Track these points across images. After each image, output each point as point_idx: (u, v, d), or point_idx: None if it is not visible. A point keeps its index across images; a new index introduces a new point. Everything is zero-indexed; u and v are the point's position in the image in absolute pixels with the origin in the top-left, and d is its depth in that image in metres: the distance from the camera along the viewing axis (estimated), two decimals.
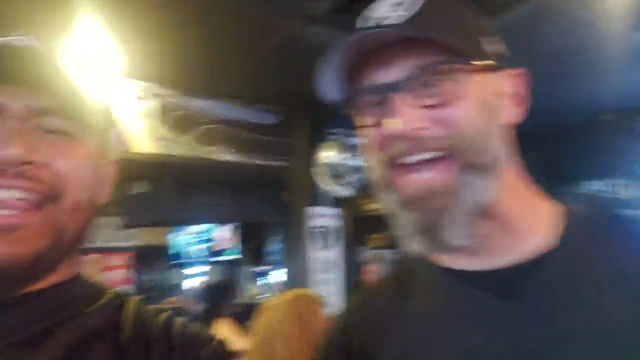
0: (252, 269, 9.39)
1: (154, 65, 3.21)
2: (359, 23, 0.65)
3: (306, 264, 3.58)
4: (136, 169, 3.61)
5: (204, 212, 3.74)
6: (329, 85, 0.67)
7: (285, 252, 6.52)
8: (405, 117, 0.58)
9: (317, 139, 3.66)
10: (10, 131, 0.54)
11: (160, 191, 3.75)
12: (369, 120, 0.63)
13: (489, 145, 0.59)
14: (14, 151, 0.52)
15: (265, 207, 3.96)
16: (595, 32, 2.55)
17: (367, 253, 6.49)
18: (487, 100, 0.60)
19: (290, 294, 1.70)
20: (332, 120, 3.90)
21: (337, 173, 3.46)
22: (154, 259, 8.68)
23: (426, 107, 0.59)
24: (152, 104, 3.37)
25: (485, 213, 0.60)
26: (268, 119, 3.79)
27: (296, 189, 3.78)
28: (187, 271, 8.81)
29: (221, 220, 6.83)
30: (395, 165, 0.61)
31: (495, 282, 0.62)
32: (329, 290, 3.59)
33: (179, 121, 3.44)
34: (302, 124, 3.77)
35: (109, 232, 7.81)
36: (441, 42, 0.57)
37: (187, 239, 8.22)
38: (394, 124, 0.58)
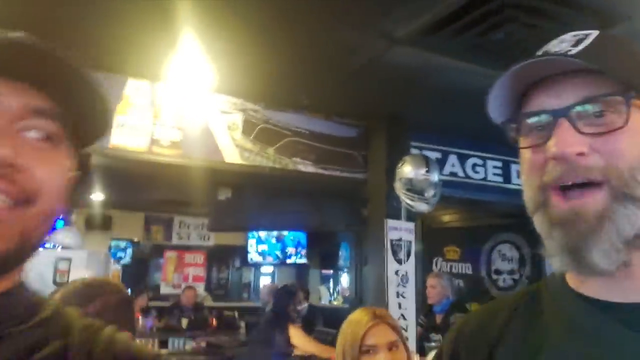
0: (319, 272, 9.55)
1: (241, 81, 3.38)
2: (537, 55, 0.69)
3: (381, 275, 3.63)
4: (221, 177, 3.81)
5: (283, 219, 3.87)
6: (496, 105, 0.70)
7: (355, 259, 6.59)
8: (568, 142, 0.61)
9: (395, 153, 3.70)
10: (1, 130, 0.53)
11: (243, 199, 3.92)
12: (531, 142, 0.66)
13: None
14: (0, 152, 0.51)
15: (341, 218, 4.04)
16: None
17: (440, 264, 6.43)
18: None
19: (370, 309, 1.76)
20: (410, 135, 3.93)
21: (414, 188, 3.48)
22: (228, 258, 9.03)
23: (588, 135, 0.61)
24: (238, 117, 3.55)
25: (636, 244, 0.61)
26: (348, 132, 3.88)
27: (373, 201, 3.84)
28: (259, 271, 9.09)
29: (298, 228, 6.97)
30: (550, 188, 0.64)
31: (629, 313, 0.62)
32: (403, 303, 3.62)
33: (262, 133, 3.60)
34: (381, 137, 3.82)
35: (187, 231, 8.24)
36: (610, 76, 0.61)
37: (260, 240, 8.46)
38: (556, 146, 0.62)
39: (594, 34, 0.66)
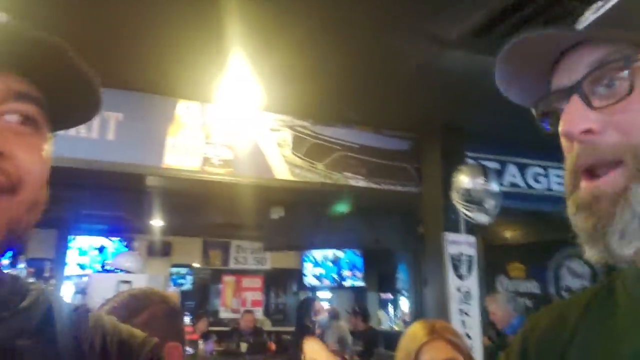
0: (377, 296, 9.34)
1: (289, 98, 3.38)
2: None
3: (442, 292, 3.46)
4: (273, 196, 3.81)
5: (337, 237, 3.80)
6: (518, 88, 0.66)
7: (414, 279, 6.40)
8: (574, 119, 0.56)
9: (450, 164, 3.57)
10: None
11: (296, 217, 3.89)
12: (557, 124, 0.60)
13: None
14: None
15: (397, 234, 3.93)
16: None
17: (505, 283, 6.12)
18: None
19: (428, 322, 1.64)
20: (466, 145, 3.78)
21: (473, 198, 3.32)
22: (285, 282, 9.02)
23: (600, 109, 0.55)
24: (287, 134, 3.54)
25: None
26: (399, 145, 3.79)
27: (429, 215, 3.70)
28: (315, 295, 9.02)
29: (353, 246, 6.89)
30: (580, 171, 0.59)
31: None
32: (466, 321, 3.43)
33: (312, 149, 3.57)
34: (435, 148, 3.70)
35: (244, 255, 8.33)
36: (606, 39, 0.55)
37: (316, 264, 8.41)
38: (562, 126, 0.57)
39: None
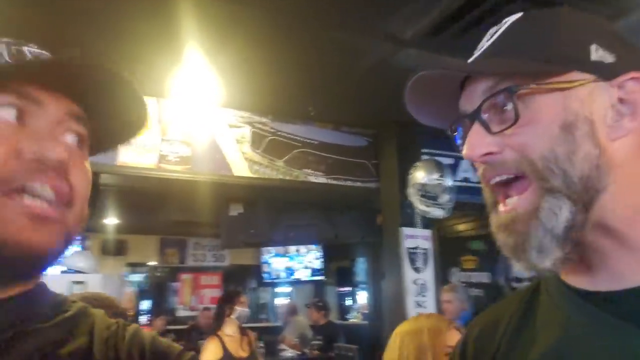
0: (336, 290, 9.42)
1: (247, 94, 3.37)
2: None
3: (399, 285, 3.55)
4: (232, 193, 3.79)
5: (296, 233, 3.82)
6: (428, 113, 0.72)
7: (372, 273, 6.50)
8: (475, 145, 0.62)
9: (407, 160, 3.65)
10: (52, 133, 0.57)
11: (254, 213, 3.88)
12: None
13: (567, 169, 0.58)
14: (59, 154, 0.55)
15: (356, 228, 3.98)
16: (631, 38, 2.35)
17: (457, 275, 6.30)
18: (570, 120, 0.58)
19: (425, 317, 1.68)
20: (422, 141, 3.87)
21: (428, 193, 3.41)
22: (244, 278, 8.97)
23: (498, 133, 0.60)
24: (246, 130, 3.53)
25: (597, 229, 0.59)
26: (358, 141, 3.84)
27: (387, 210, 3.77)
28: (276, 290, 9.01)
29: (312, 241, 6.92)
30: (495, 188, 0.64)
31: (626, 304, 0.60)
32: (422, 313, 3.53)
33: (271, 146, 3.57)
34: (392, 145, 3.77)
35: (202, 252, 8.22)
36: (487, 73, 0.61)
37: (276, 259, 8.40)
38: (465, 151, 0.63)
39: (512, 19, 0.66)
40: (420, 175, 3.42)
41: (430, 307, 3.61)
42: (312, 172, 3.62)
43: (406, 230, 3.61)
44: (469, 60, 0.66)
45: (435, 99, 0.69)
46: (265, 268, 8.32)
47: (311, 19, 2.60)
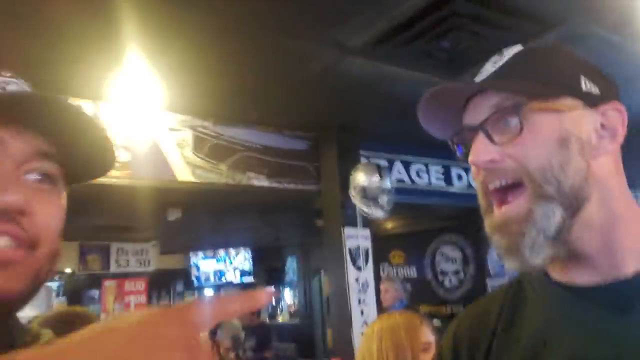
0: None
1: (189, 97, 3.31)
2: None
3: (342, 284, 3.65)
4: (172, 197, 3.70)
5: (236, 237, 3.81)
6: (435, 124, 0.79)
7: (304, 273, 6.60)
8: (480, 152, 0.71)
9: (346, 163, 3.76)
10: (9, 175, 0.54)
11: (194, 218, 3.82)
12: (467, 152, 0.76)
13: (561, 179, 0.68)
14: (11, 198, 0.52)
15: (295, 230, 4.03)
16: (624, 54, 2.68)
17: (386, 270, 6.55)
18: (565, 137, 0.69)
19: (407, 312, 1.76)
20: (361, 144, 4.01)
21: (368, 195, 3.54)
22: (170, 282, 8.70)
23: (500, 144, 0.70)
24: (188, 134, 3.47)
25: (581, 232, 0.69)
26: (299, 144, 3.90)
27: (328, 212, 3.86)
28: (203, 294, 8.82)
29: (250, 244, 6.86)
30: (490, 193, 0.73)
31: (604, 296, 0.69)
32: (365, 310, 3.66)
33: (213, 150, 3.54)
34: (332, 148, 3.87)
35: (126, 258, 7.87)
36: (500, 90, 0.71)
37: (204, 262, 8.23)
38: (471, 157, 0.72)
39: (514, 50, 0.76)
40: (360, 177, 3.54)
41: (371, 303, 3.75)
42: (255, 175, 3.63)
43: (348, 231, 3.73)
44: (480, 80, 0.75)
45: (438, 113, 0.77)
46: (194, 272, 8.13)
47: (257, 23, 2.60)
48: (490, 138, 0.70)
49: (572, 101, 0.70)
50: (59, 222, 0.60)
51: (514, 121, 0.69)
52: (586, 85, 0.72)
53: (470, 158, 0.71)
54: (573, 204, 0.68)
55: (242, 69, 3.06)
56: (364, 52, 2.82)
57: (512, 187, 0.70)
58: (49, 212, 0.58)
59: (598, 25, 2.54)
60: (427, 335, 1.58)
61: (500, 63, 0.74)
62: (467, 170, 4.99)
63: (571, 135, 0.69)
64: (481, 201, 0.75)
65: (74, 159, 0.62)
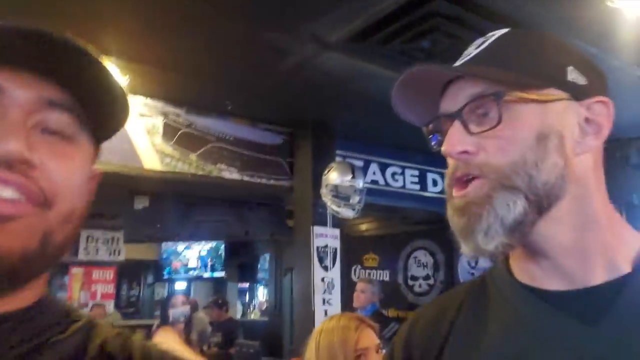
0: (237, 286, 9.31)
1: (161, 83, 3.22)
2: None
3: (307, 283, 3.60)
4: (139, 185, 3.60)
5: (204, 229, 3.73)
6: (411, 111, 0.74)
7: (276, 270, 6.51)
8: (454, 142, 0.66)
9: (321, 160, 3.71)
10: (12, 124, 0.49)
11: (161, 208, 3.73)
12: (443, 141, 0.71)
13: (533, 174, 0.64)
14: (11, 147, 0.47)
15: (265, 226, 3.97)
16: (603, 68, 2.65)
17: (358, 273, 6.52)
18: (544, 132, 0.65)
19: (348, 314, 1.70)
20: (338, 143, 3.96)
21: (340, 194, 3.49)
22: (140, 273, 8.56)
23: (476, 134, 0.66)
24: (158, 121, 3.38)
25: (548, 231, 0.66)
26: (273, 139, 3.83)
27: (299, 209, 3.81)
28: (175, 286, 8.70)
29: (221, 238, 6.76)
30: (453, 179, 0.69)
31: (573, 304, 0.65)
32: (328, 310, 3.61)
33: (184, 139, 3.45)
34: (307, 144, 3.81)
35: (95, 246, 7.71)
36: (480, 77, 0.66)
37: (175, 254, 8.12)
38: (444, 147, 0.68)
39: (499, 33, 0.70)
40: (334, 176, 3.49)
41: (336, 304, 3.70)
42: (226, 167, 3.55)
43: (317, 229, 3.68)
44: (458, 64, 0.70)
45: (415, 99, 0.72)
46: (165, 264, 8.01)
47: (236, 13, 2.55)
48: (466, 127, 0.65)
49: (556, 92, 0.65)
50: (79, 179, 0.54)
51: (492, 111, 0.64)
52: (573, 76, 0.67)
53: (443, 148, 0.67)
54: (542, 201, 0.64)
55: (218, 58, 2.99)
56: (342, 47, 2.77)
57: (475, 179, 0.66)
58: (65, 167, 0.52)
59: (577, 36, 2.52)
60: (364, 341, 1.53)
61: (483, 47, 0.69)
62: (442, 175, 4.93)
63: (551, 130, 0.65)
64: (446, 187, 0.70)
65: (92, 110, 0.55)
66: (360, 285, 3.99)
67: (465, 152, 0.65)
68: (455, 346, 0.72)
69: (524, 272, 0.70)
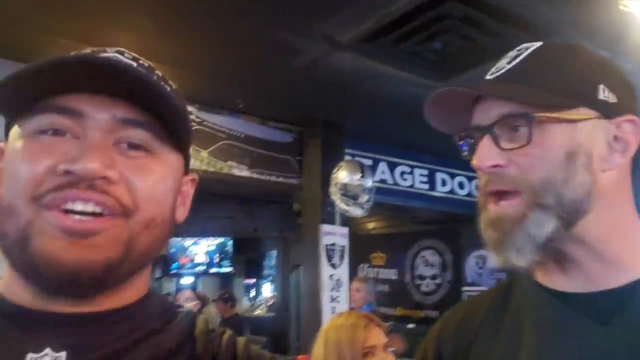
0: (243, 282, 9.37)
1: (174, 80, 3.23)
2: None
3: (315, 280, 3.62)
4: None
5: (215, 225, 3.76)
6: (442, 121, 0.76)
7: (283, 267, 6.55)
8: (484, 156, 0.69)
9: (330, 159, 3.73)
10: (90, 144, 0.53)
11: None
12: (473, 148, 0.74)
13: (563, 192, 0.66)
14: (89, 166, 0.51)
15: (274, 223, 4.00)
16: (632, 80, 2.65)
17: (366, 271, 6.53)
18: (574, 151, 0.67)
19: (356, 312, 1.72)
20: (345, 141, 3.97)
21: (349, 193, 3.51)
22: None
23: (507, 150, 0.68)
24: None
25: (575, 243, 0.68)
26: (284, 137, 3.86)
27: (308, 207, 3.83)
28: (182, 281, 8.76)
29: (229, 234, 6.81)
30: (487, 194, 0.71)
31: (593, 305, 0.68)
32: (336, 307, 3.63)
33: (195, 136, 3.48)
34: (316, 143, 3.84)
35: None
36: (511, 99, 0.67)
37: (183, 249, 8.17)
38: (475, 161, 0.70)
39: (533, 47, 0.72)
40: (343, 174, 3.51)
41: (343, 301, 3.73)
42: (237, 164, 3.58)
43: (325, 227, 3.70)
44: (490, 77, 0.71)
45: (447, 109, 0.74)
46: (172, 258, 8.07)
47: (249, 12, 2.57)
48: (496, 142, 0.67)
49: (586, 111, 0.67)
50: (159, 190, 0.58)
51: (523, 129, 0.66)
52: (604, 93, 0.68)
53: (474, 162, 0.69)
54: (572, 217, 0.67)
55: (230, 57, 3.02)
56: (353, 47, 2.79)
57: (508, 193, 0.68)
58: (142, 179, 0.56)
59: (589, 39, 2.51)
60: (373, 339, 1.55)
61: (516, 62, 0.71)
62: (452, 175, 5.01)
63: (580, 149, 0.66)
64: (479, 198, 0.73)
65: (167, 126, 0.59)
66: (355, 285, 4.00)
67: (495, 165, 0.67)
68: (483, 345, 0.75)
69: (550, 276, 0.72)
